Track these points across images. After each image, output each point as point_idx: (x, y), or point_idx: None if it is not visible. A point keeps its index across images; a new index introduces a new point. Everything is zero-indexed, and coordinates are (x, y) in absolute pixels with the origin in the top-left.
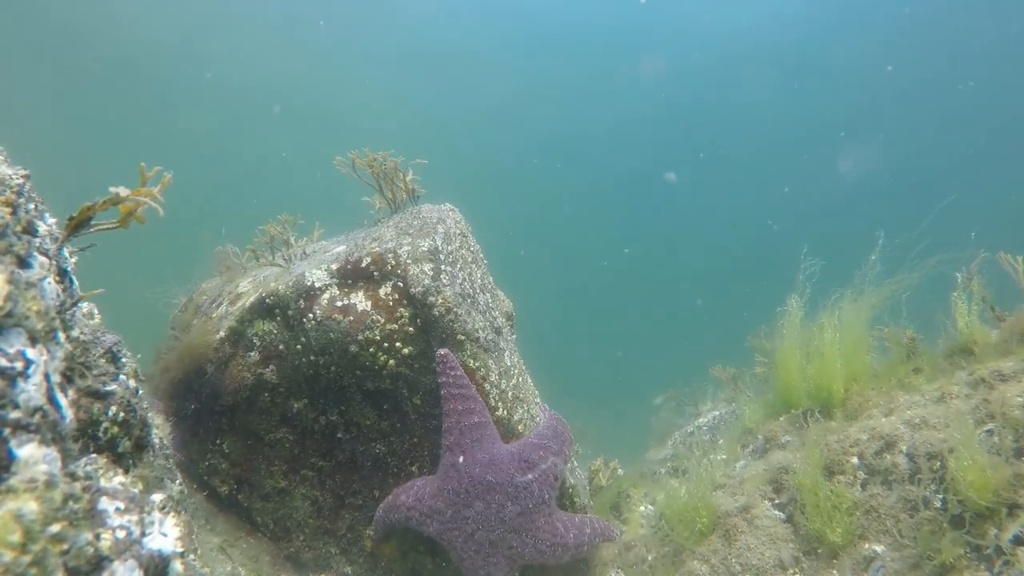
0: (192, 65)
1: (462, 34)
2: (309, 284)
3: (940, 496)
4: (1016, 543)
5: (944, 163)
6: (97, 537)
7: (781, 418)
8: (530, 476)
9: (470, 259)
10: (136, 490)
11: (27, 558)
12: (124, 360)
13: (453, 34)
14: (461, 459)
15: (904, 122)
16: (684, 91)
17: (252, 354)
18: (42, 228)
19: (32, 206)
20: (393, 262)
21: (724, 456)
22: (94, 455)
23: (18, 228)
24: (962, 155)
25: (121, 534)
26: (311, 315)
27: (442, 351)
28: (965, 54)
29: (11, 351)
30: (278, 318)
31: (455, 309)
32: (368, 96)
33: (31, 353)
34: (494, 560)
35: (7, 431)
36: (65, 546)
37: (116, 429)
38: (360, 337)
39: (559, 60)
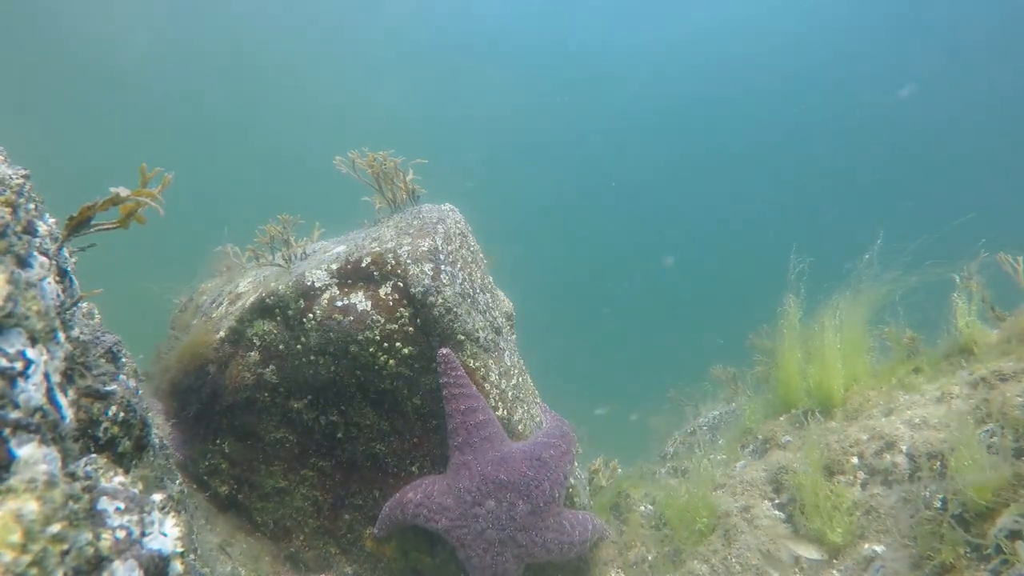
0: (193, 61)
1: (464, 36)
2: (309, 284)
3: (940, 496)
4: (1012, 538)
5: (944, 161)
6: (97, 537)
7: (781, 418)
8: (543, 475)
9: (470, 259)
10: (136, 490)
11: (27, 558)
12: (124, 360)
13: (455, 36)
14: (472, 457)
15: (904, 117)
16: (683, 91)
17: (252, 354)
18: (42, 228)
19: (32, 206)
20: (393, 262)
21: (724, 456)
22: (94, 455)
23: (18, 228)
24: (963, 152)
25: (121, 534)
26: (311, 315)
27: (444, 351)
28: (961, 50)
29: (11, 351)
30: (278, 318)
31: (455, 309)
32: (369, 94)
33: (31, 353)
34: (503, 559)
35: (7, 431)
36: (65, 546)
37: (116, 429)
38: (360, 337)
39: (565, 60)
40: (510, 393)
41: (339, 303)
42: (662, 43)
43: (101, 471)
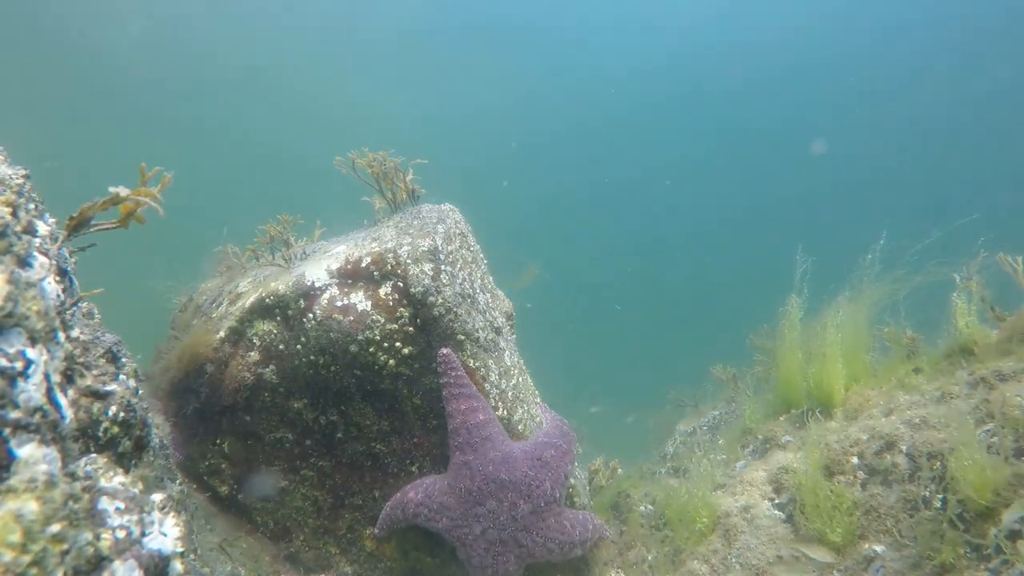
0: (192, 61)
1: (465, 32)
2: (309, 284)
3: (940, 496)
4: (1012, 538)
5: (945, 161)
6: (97, 537)
7: (781, 418)
8: (544, 474)
9: (470, 259)
10: (136, 490)
11: (27, 558)
12: (124, 360)
13: (457, 34)
14: (473, 457)
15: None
16: (681, 85)
17: (252, 354)
18: (42, 228)
19: (32, 206)
20: (393, 262)
21: (724, 456)
22: (94, 455)
23: (18, 228)
24: (965, 153)
25: (121, 534)
26: (311, 315)
27: (444, 351)
28: (961, 45)
29: (11, 351)
30: (278, 318)
31: (455, 309)
32: (369, 93)
33: (31, 353)
34: (503, 559)
35: (7, 431)
36: (65, 546)
37: (116, 429)
38: (360, 337)
39: (560, 56)
40: (510, 393)
41: (339, 303)
42: (662, 38)
43: (101, 471)
